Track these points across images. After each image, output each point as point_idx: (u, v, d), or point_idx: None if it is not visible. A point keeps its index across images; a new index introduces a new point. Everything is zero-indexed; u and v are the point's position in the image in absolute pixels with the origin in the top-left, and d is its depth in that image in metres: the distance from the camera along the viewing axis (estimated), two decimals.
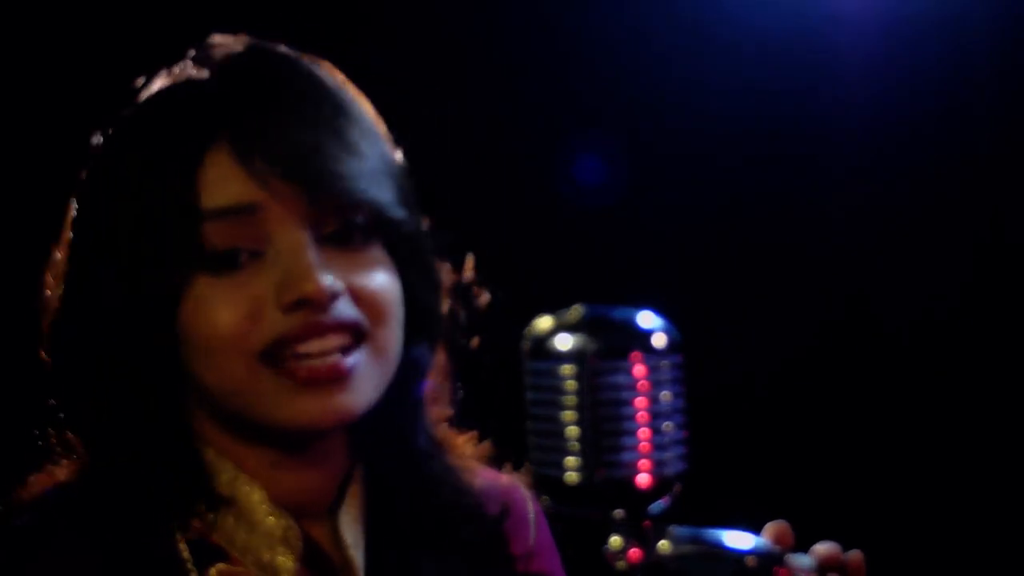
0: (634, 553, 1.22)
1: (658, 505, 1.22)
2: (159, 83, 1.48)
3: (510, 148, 2.97)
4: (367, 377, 1.43)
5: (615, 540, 1.22)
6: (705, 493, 1.51)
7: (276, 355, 1.41)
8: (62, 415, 1.48)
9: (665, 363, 1.21)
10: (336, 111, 1.44)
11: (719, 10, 2.99)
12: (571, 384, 1.19)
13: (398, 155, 1.51)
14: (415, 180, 1.52)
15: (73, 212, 1.48)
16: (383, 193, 1.44)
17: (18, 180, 2.73)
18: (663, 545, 1.23)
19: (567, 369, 1.20)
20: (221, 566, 1.44)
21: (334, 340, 1.41)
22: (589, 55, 3.02)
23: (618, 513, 1.21)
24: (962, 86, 3.00)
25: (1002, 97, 3.00)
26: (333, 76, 1.49)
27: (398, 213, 1.46)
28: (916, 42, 2.99)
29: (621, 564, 1.22)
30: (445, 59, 2.90)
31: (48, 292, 1.49)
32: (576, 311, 1.22)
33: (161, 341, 1.42)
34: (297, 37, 1.53)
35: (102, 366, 1.44)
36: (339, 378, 1.41)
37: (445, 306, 1.54)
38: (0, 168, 2.76)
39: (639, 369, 1.20)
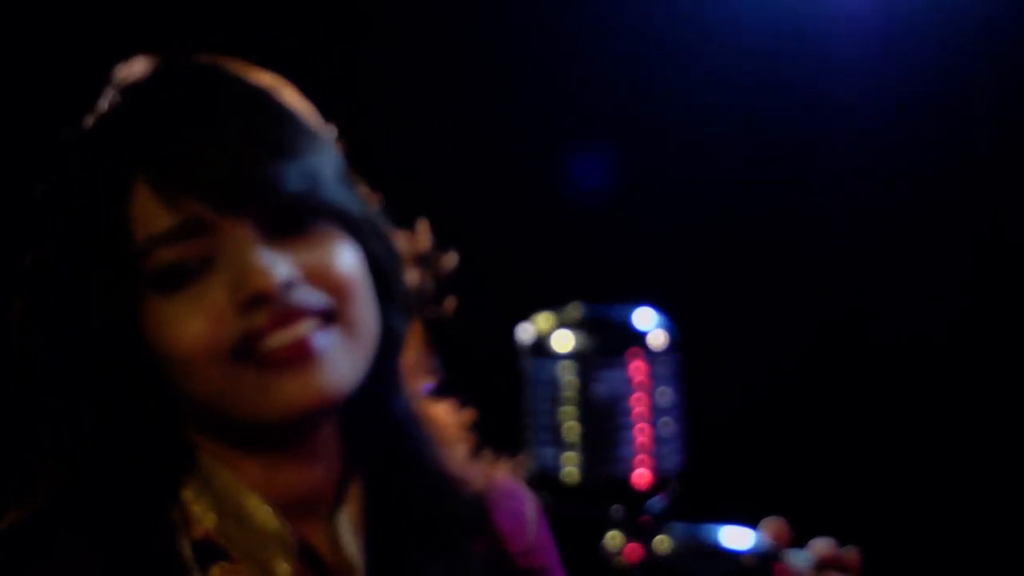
0: (632, 550, 1.22)
1: (656, 502, 1.22)
2: (84, 124, 1.49)
3: (507, 146, 2.97)
4: (341, 354, 1.43)
5: (613, 537, 1.22)
6: (703, 490, 1.51)
7: (247, 351, 1.41)
8: (48, 441, 1.49)
9: (663, 361, 1.21)
10: (253, 112, 1.44)
11: (719, 9, 2.99)
12: (569, 382, 1.20)
13: (328, 133, 1.51)
14: (408, 173, 1.52)
15: (29, 257, 1.50)
16: (319, 182, 1.44)
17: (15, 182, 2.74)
18: (661, 542, 1.23)
19: (565, 367, 1.20)
20: (223, 565, 1.45)
21: (301, 327, 1.41)
22: (587, 52, 3.02)
23: (616, 510, 1.21)
24: (962, 85, 3.00)
25: (1003, 97, 3.00)
26: (246, 74, 1.49)
27: (339, 197, 1.46)
28: (915, 42, 2.99)
29: (619, 561, 1.22)
30: (443, 57, 2.91)
31: (15, 334, 1.50)
32: (574, 309, 1.22)
33: (130, 367, 1.43)
34: (297, 37, 1.52)
35: (80, 397, 1.45)
36: (309, 356, 1.41)
37: (410, 275, 1.53)
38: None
39: (637, 367, 1.20)
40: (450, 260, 1.57)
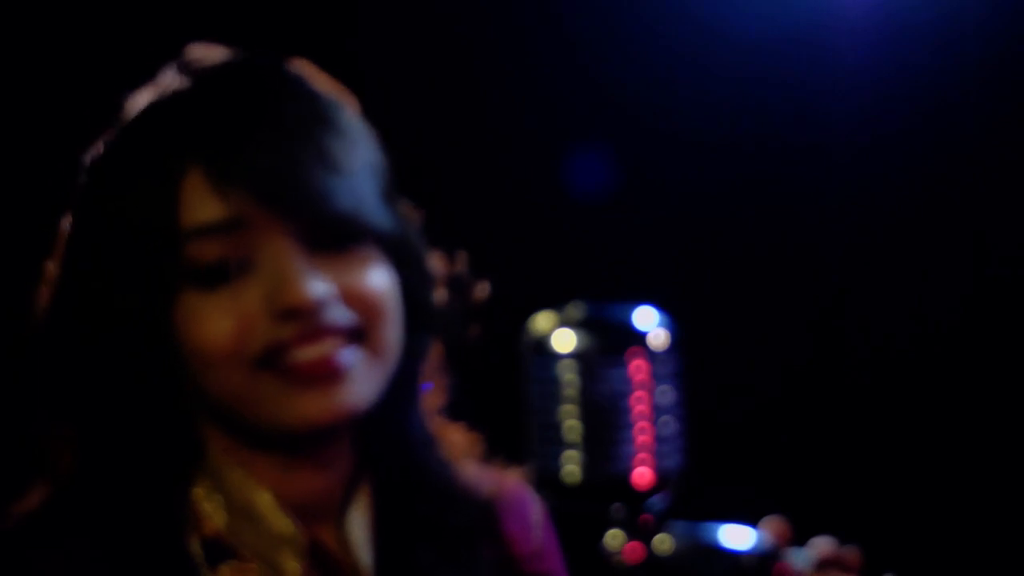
0: (633, 549, 1.22)
1: (657, 501, 1.22)
2: (141, 100, 1.48)
3: (507, 146, 2.97)
4: (364, 374, 1.43)
5: (614, 536, 1.22)
6: (704, 489, 1.51)
7: (272, 360, 1.41)
8: (59, 428, 1.48)
9: (664, 360, 1.22)
10: (314, 122, 1.44)
11: (720, 9, 2.99)
12: (570, 381, 1.20)
13: (380, 153, 1.50)
14: (408, 173, 1.51)
15: (66, 227, 1.49)
16: (365, 203, 1.44)
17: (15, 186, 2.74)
18: (662, 541, 1.23)
19: (566, 366, 1.20)
20: (232, 563, 1.45)
21: (328, 344, 1.41)
22: (589, 51, 3.02)
23: (617, 509, 1.22)
24: (963, 86, 3.00)
25: (1003, 97, 3.00)
26: (313, 82, 1.48)
27: (383, 220, 1.46)
28: (915, 42, 2.99)
29: (619, 560, 1.22)
30: (443, 57, 2.91)
31: (41, 307, 1.49)
32: (575, 309, 1.23)
33: (155, 357, 1.43)
34: (295, 36, 1.53)
35: (99, 383, 1.45)
36: (334, 374, 1.41)
37: (440, 300, 1.54)
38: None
39: (638, 366, 1.20)
40: (483, 289, 1.57)
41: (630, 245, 3.02)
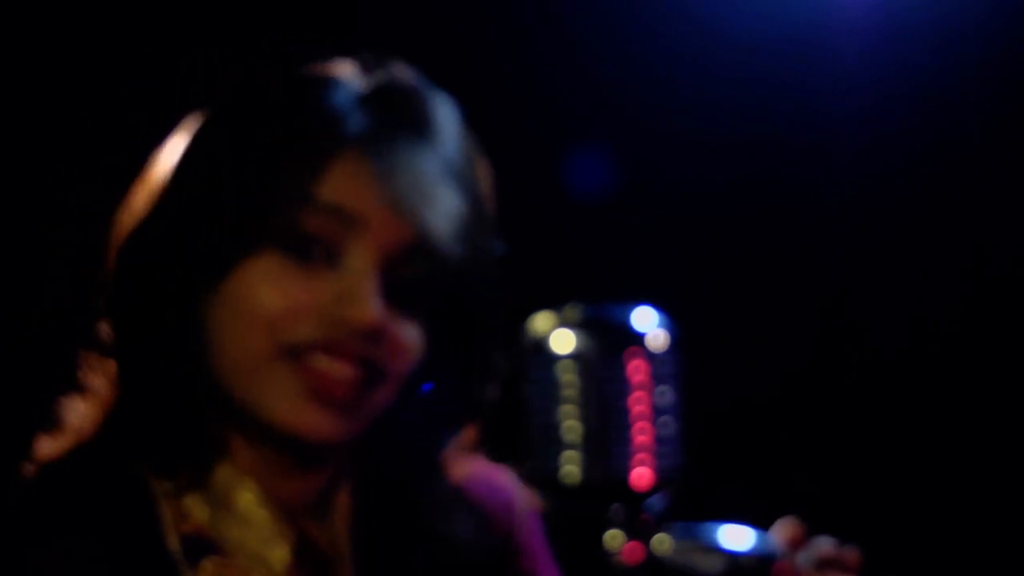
0: (632, 550, 1.22)
1: (656, 502, 1.22)
2: (328, 69, 1.48)
3: (507, 145, 2.97)
4: (368, 411, 1.45)
5: (613, 537, 1.22)
6: (703, 490, 1.51)
7: (297, 355, 1.41)
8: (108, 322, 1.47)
9: (663, 360, 1.22)
10: (461, 164, 1.47)
11: (720, 9, 2.99)
12: (569, 382, 1.20)
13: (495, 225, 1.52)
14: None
15: (193, 134, 1.48)
16: (466, 251, 1.46)
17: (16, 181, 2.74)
18: (661, 541, 1.23)
19: (566, 367, 1.20)
20: (213, 559, 1.45)
21: (350, 370, 1.42)
22: (589, 51, 3.02)
23: (616, 510, 1.22)
24: (963, 86, 3.00)
25: (1003, 97, 3.00)
26: (457, 113, 1.51)
27: (470, 282, 1.47)
28: (915, 42, 2.99)
29: (619, 561, 1.22)
30: (443, 57, 2.91)
31: (133, 204, 1.48)
32: (574, 309, 1.23)
33: (206, 287, 1.43)
34: (295, 35, 1.53)
35: (151, 293, 1.44)
36: (344, 402, 1.42)
37: (487, 390, 1.53)
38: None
39: (637, 367, 1.20)
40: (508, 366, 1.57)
41: (630, 245, 3.01)
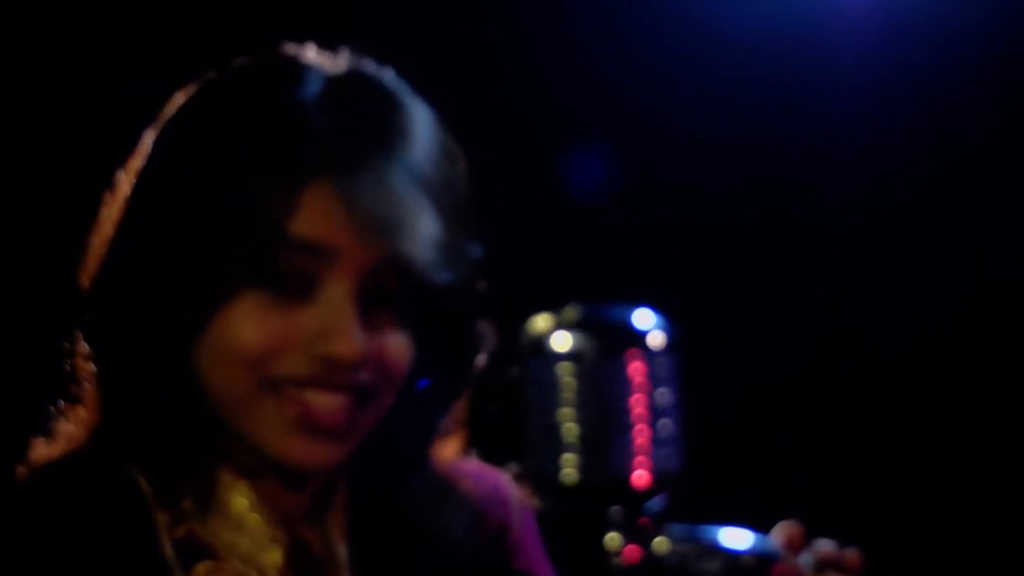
0: (631, 551, 1.22)
1: (655, 503, 1.22)
2: (280, 71, 1.44)
3: (507, 145, 2.97)
4: (359, 431, 1.44)
5: (612, 538, 1.22)
6: (702, 491, 1.51)
7: (282, 388, 1.40)
8: (88, 350, 1.46)
9: (662, 361, 1.21)
10: (435, 169, 1.43)
11: (720, 9, 2.99)
12: (568, 383, 1.20)
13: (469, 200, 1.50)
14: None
15: (146, 166, 1.45)
16: (445, 266, 1.42)
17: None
18: (660, 543, 1.23)
19: (565, 368, 1.20)
20: (207, 563, 1.44)
21: (340, 400, 1.41)
22: (589, 51, 3.02)
23: (615, 511, 1.21)
24: (963, 86, 3.00)
25: (1003, 97, 3.00)
26: (431, 115, 1.47)
27: (453, 294, 1.44)
28: (915, 41, 2.99)
29: (618, 562, 1.22)
30: (443, 57, 2.91)
31: (101, 235, 1.46)
32: (573, 310, 1.22)
33: (191, 328, 1.40)
34: (295, 35, 1.52)
35: (133, 326, 1.42)
36: (335, 431, 1.41)
37: (467, 388, 1.52)
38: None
39: (636, 367, 1.20)
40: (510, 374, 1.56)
41: (630, 245, 3.01)
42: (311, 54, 1.47)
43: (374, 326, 1.41)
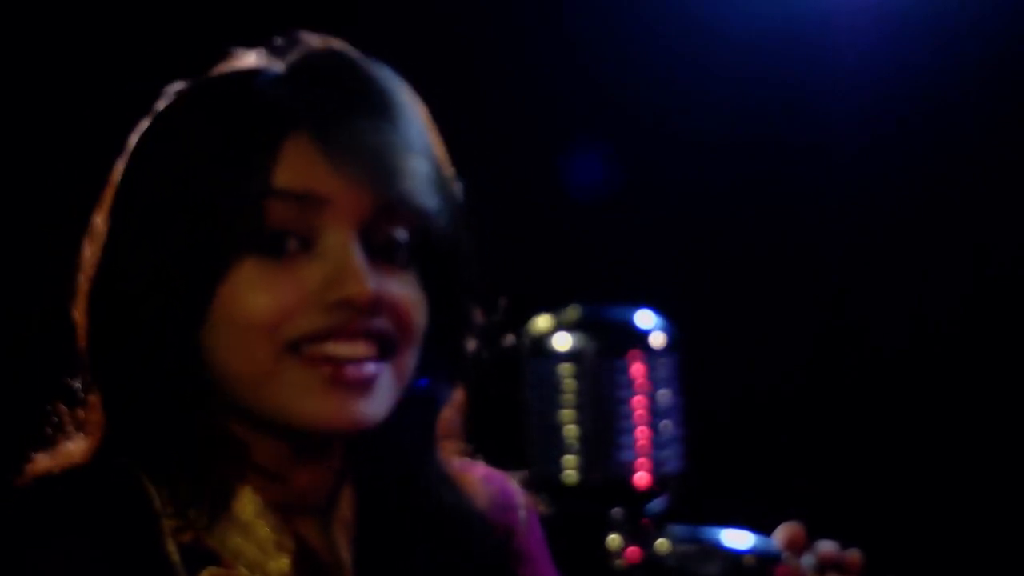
0: (632, 552, 1.22)
1: (656, 504, 1.22)
2: (242, 61, 1.47)
3: (507, 145, 2.97)
4: (387, 391, 1.43)
5: (613, 539, 1.22)
6: (704, 492, 1.51)
7: (303, 348, 1.39)
8: (87, 378, 1.46)
9: (663, 362, 1.21)
10: (409, 122, 1.44)
11: (720, 8, 2.99)
12: (569, 383, 1.20)
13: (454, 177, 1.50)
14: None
15: (125, 171, 1.46)
16: (438, 207, 1.44)
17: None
18: (661, 544, 1.23)
19: (566, 368, 1.20)
20: (212, 570, 1.43)
21: (363, 348, 1.40)
22: (589, 51, 3.02)
23: (616, 512, 1.21)
24: (962, 85, 3.00)
25: (1003, 97, 3.00)
26: (406, 89, 1.48)
27: (448, 236, 1.45)
28: (915, 41, 2.99)
29: (619, 563, 1.22)
30: (442, 56, 2.91)
31: (88, 251, 1.46)
32: (574, 310, 1.22)
33: (194, 316, 1.40)
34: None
35: (131, 333, 1.42)
36: (363, 383, 1.40)
37: (471, 346, 1.51)
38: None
39: (637, 368, 1.20)
40: (509, 340, 1.55)
41: (630, 245, 3.01)
42: (293, 35, 1.51)
43: (382, 274, 1.41)
